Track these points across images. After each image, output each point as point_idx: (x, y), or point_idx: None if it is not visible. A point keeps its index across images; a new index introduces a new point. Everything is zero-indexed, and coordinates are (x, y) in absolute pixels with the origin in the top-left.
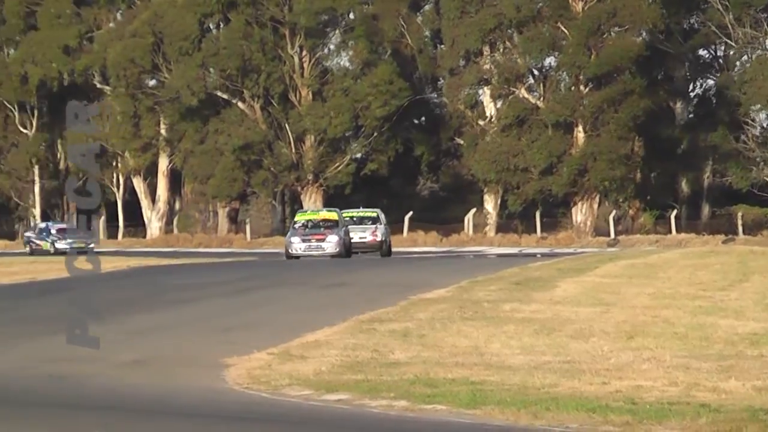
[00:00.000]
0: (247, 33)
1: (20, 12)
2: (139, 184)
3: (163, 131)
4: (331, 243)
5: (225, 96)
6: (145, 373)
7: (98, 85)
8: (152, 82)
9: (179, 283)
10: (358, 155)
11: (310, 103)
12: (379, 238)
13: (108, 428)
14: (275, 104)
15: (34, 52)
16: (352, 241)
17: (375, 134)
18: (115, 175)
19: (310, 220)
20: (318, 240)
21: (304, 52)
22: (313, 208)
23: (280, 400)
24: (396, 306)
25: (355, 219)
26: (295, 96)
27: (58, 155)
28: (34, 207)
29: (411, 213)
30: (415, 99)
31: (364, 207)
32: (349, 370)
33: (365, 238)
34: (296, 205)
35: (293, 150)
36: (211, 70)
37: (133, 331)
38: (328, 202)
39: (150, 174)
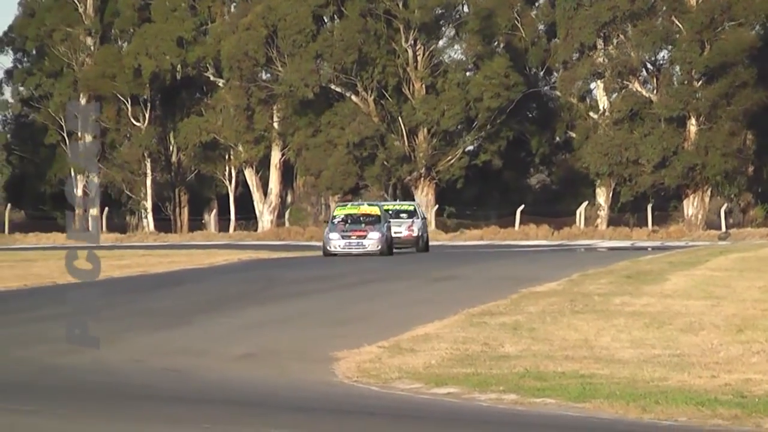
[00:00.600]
0: (362, 26)
1: (135, 5)
2: (251, 176)
3: (275, 124)
4: (372, 240)
5: (339, 89)
6: (257, 366)
7: (211, 78)
8: (266, 75)
9: (291, 276)
10: (471, 147)
11: (423, 95)
12: (415, 234)
13: (218, 422)
14: (389, 97)
15: (148, 44)
16: None
17: (488, 126)
18: (227, 167)
19: (351, 214)
20: (358, 237)
21: (418, 46)
22: (355, 202)
23: (390, 394)
24: (507, 299)
25: (390, 212)
26: (409, 89)
27: (171, 148)
28: (146, 200)
29: (523, 206)
30: (528, 92)
31: (474, 201)
32: (458, 364)
33: (400, 233)
34: (408, 198)
35: (406, 143)
36: (326, 63)
37: (245, 325)
38: (440, 196)
39: (262, 167)
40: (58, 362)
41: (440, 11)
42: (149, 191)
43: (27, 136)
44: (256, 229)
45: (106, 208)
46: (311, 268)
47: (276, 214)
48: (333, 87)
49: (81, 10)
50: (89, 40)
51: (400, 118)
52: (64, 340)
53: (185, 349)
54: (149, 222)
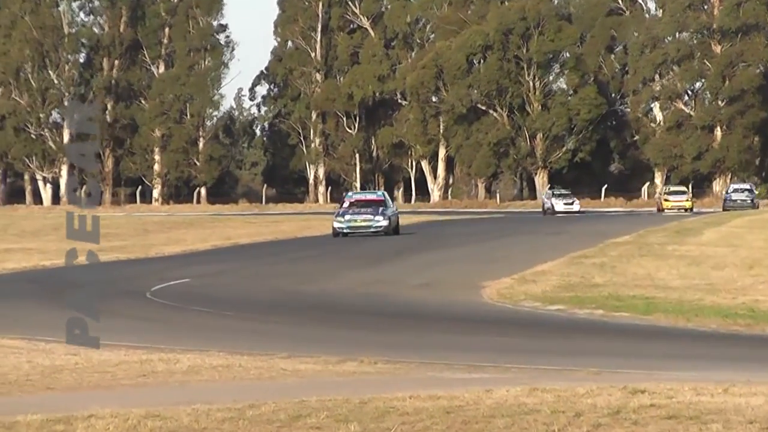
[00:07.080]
0: (499, 66)
1: (348, 51)
2: (425, 166)
3: (441, 130)
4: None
5: (483, 107)
6: (429, 292)
7: (399, 100)
8: (435, 98)
9: (452, 231)
10: (572, 147)
11: (539, 111)
12: None
13: (402, 329)
14: (516, 113)
15: (357, 78)
16: None
17: (583, 132)
18: (409, 160)
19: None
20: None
21: (536, 78)
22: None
23: (518, 309)
24: (596, 247)
25: None
26: (530, 107)
27: (372, 147)
28: (356, 182)
29: (606, 186)
30: (609, 110)
31: (574, 182)
32: (564, 290)
33: None
34: (528, 183)
35: (528, 143)
36: (475, 90)
37: (421, 264)
38: (551, 179)
39: (433, 159)
40: (297, 289)
41: (550, 55)
42: (358, 176)
43: (276, 138)
44: (429, 201)
45: (329, 187)
46: (466, 226)
47: (442, 191)
48: (479, 106)
49: (312, 55)
50: (318, 76)
51: (524, 126)
52: (301, 275)
53: (381, 281)
54: None
